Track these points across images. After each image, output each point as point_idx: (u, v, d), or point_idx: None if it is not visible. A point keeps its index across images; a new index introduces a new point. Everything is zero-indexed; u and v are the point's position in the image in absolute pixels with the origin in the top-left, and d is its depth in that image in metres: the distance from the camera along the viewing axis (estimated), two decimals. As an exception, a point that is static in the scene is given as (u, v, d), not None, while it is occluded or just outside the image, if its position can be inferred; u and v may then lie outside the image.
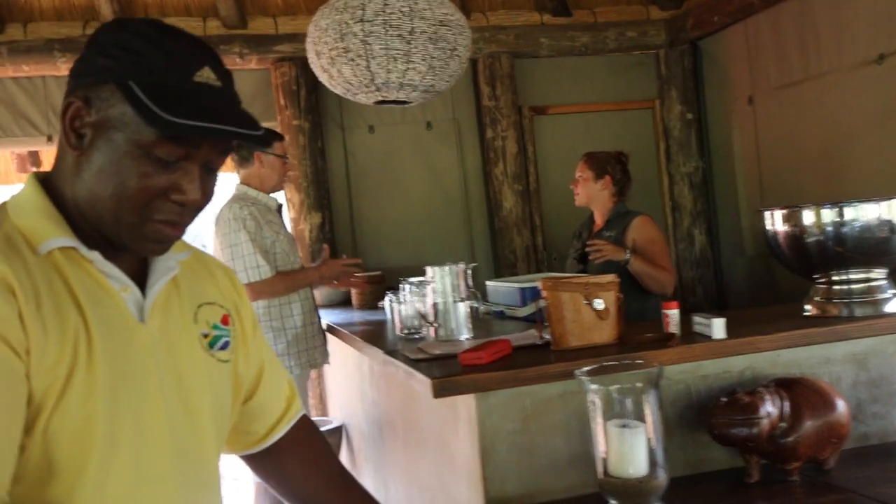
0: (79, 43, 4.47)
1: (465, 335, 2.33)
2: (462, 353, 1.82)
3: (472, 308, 2.43)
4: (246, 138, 1.00)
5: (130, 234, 1.01)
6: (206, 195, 1.03)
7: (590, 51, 5.17)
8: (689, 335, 1.90)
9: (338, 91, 3.18)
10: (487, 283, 3.21)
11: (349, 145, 4.98)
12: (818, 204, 1.93)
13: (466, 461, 1.84)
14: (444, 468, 2.12)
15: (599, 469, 1.53)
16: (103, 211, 0.99)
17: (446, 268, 2.37)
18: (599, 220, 3.62)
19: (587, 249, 3.45)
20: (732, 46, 4.85)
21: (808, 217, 1.94)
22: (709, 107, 5.23)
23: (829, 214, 1.91)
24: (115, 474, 0.98)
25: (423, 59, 2.92)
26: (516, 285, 2.89)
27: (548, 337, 1.93)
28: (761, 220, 2.05)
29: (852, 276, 1.96)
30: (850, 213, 1.90)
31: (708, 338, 1.84)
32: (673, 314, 1.91)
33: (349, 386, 3.82)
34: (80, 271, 1.00)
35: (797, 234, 1.97)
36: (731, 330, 1.84)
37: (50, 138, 4.60)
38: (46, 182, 1.04)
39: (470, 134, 5.15)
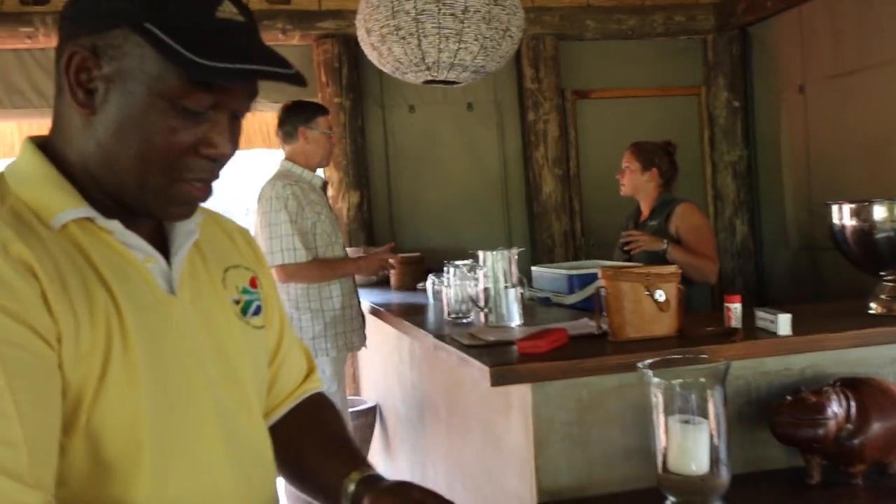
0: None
1: (516, 321, 2.31)
2: (520, 341, 1.80)
3: (520, 294, 2.40)
4: (282, 78, 0.89)
5: (156, 197, 0.91)
6: (235, 146, 0.94)
7: (636, 34, 5.09)
8: (752, 329, 1.86)
9: (386, 69, 3.15)
10: (533, 268, 3.17)
11: (389, 124, 4.96)
12: (891, 199, 1.86)
13: (518, 451, 1.82)
14: (491, 456, 2.10)
15: (659, 464, 1.50)
16: (124, 174, 0.89)
17: (498, 252, 2.34)
18: (645, 210, 3.59)
19: (621, 241, 3.44)
20: (785, 33, 4.74)
21: (879, 212, 1.88)
22: (756, 95, 5.14)
23: (903, 209, 1.85)
24: (172, 464, 0.91)
25: (476, 39, 2.88)
26: (565, 272, 2.85)
27: (605, 327, 1.89)
28: (828, 213, 1.99)
29: (923, 274, 1.91)
30: (925, 209, 1.85)
31: (771, 333, 1.80)
32: (736, 308, 1.86)
33: (386, 367, 3.81)
34: (99, 244, 0.89)
35: (866, 230, 1.91)
36: (796, 327, 1.79)
37: None
38: (46, 147, 0.93)
39: (511, 116, 5.11)
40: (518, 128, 5.11)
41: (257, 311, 1.07)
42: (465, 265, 2.60)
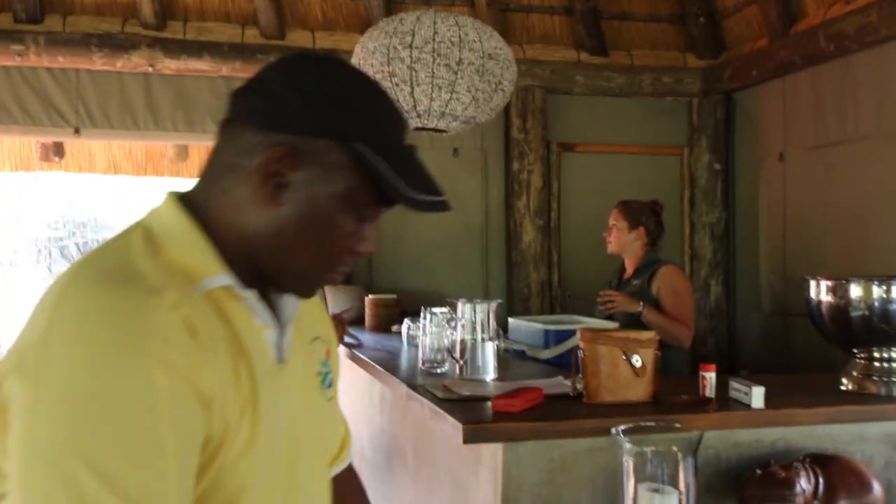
0: (117, 39, 4.51)
1: (490, 375, 2.30)
2: (495, 399, 1.80)
3: (497, 347, 2.40)
4: (445, 209, 0.95)
5: (309, 282, 0.97)
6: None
7: (624, 93, 5.17)
8: (725, 400, 1.87)
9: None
10: (510, 319, 3.18)
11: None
12: (867, 277, 1.90)
13: (486, 508, 1.81)
14: (457, 512, 2.09)
15: (627, 532, 1.50)
16: (293, 263, 0.94)
17: (477, 304, 2.35)
18: (630, 268, 3.63)
19: (598, 300, 3.47)
20: (768, 101, 4.84)
21: (854, 290, 1.92)
22: (738, 159, 5.22)
23: (877, 290, 1.89)
24: None
25: (468, 91, 2.92)
26: (541, 326, 2.86)
27: (580, 388, 1.90)
28: (805, 287, 2.02)
29: (895, 356, 1.94)
30: (898, 290, 1.88)
31: (744, 405, 1.82)
32: (710, 377, 1.88)
33: (356, 408, 3.77)
34: (236, 311, 0.91)
35: (842, 307, 1.94)
36: (768, 399, 1.81)
37: (77, 130, 4.62)
38: (190, 206, 0.93)
39: (496, 164, 5.15)
40: (502, 176, 5.15)
41: (330, 384, 1.11)
42: (442, 313, 2.60)
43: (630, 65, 5.16)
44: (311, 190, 0.90)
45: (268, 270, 0.94)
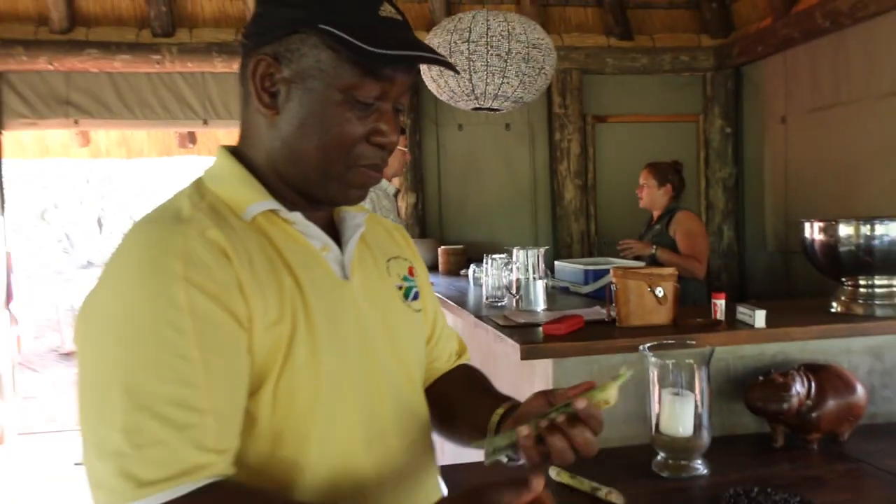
0: (233, 46, 4.57)
1: (541, 306, 2.33)
2: (545, 325, 1.83)
3: (545, 284, 2.43)
4: (437, 63, 0.83)
5: (337, 183, 0.84)
6: (398, 136, 0.86)
7: (647, 70, 5.05)
8: (733, 322, 1.87)
9: (443, 97, 3.19)
10: (556, 262, 3.19)
11: (441, 140, 4.99)
12: (856, 219, 1.87)
13: (541, 411, 1.86)
14: (518, 413, 2.14)
15: (652, 427, 1.54)
16: (308, 165, 0.82)
17: (529, 250, 2.38)
18: (655, 217, 3.61)
19: (618, 247, 3.48)
20: (771, 73, 4.67)
21: (843, 229, 1.88)
22: (746, 123, 5.07)
23: (862, 229, 1.85)
24: (345, 431, 0.83)
25: (516, 76, 2.91)
26: (581, 267, 2.87)
27: (613, 315, 1.92)
28: (801, 228, 1.99)
29: (876, 282, 1.90)
30: (880, 228, 1.84)
31: (749, 325, 1.82)
32: (720, 303, 1.88)
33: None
34: (283, 234, 0.83)
35: (832, 244, 1.91)
36: (769, 320, 1.81)
37: (206, 122, 4.72)
38: (236, 153, 0.88)
39: (541, 135, 5.10)
40: (546, 145, 5.10)
41: (416, 297, 1.00)
42: (501, 258, 2.63)
43: (652, 46, 5.03)
44: (299, 87, 0.81)
45: (297, 183, 0.85)
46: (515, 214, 5.07)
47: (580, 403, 0.80)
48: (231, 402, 0.74)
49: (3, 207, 4.62)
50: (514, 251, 2.39)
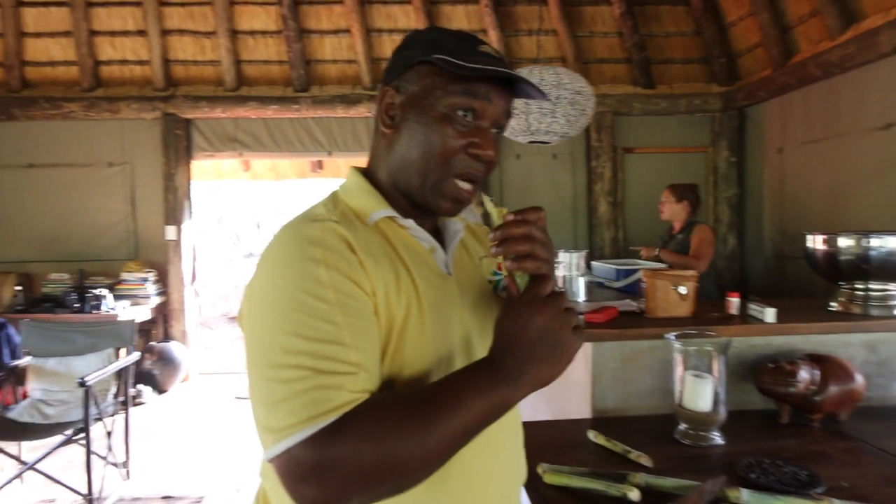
0: (350, 97, 4.61)
1: (582, 298, 2.21)
2: (586, 314, 1.72)
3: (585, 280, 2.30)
4: (532, 87, 0.77)
5: (434, 191, 0.76)
6: (497, 153, 0.77)
7: (666, 112, 4.78)
8: (745, 316, 1.71)
9: (506, 133, 3.09)
10: (592, 262, 3.05)
11: (503, 167, 4.87)
12: (855, 232, 1.66)
13: (581, 384, 1.75)
14: (563, 385, 2.03)
15: (676, 401, 1.41)
16: (412, 173, 0.76)
17: (572, 253, 2.26)
18: (677, 227, 3.44)
19: (630, 248, 3.41)
20: (771, 112, 4.33)
21: (843, 241, 1.68)
22: (748, 153, 4.72)
23: (859, 241, 1.64)
24: None
25: (564, 116, 2.78)
26: (613, 266, 2.72)
27: (642, 307, 1.79)
28: (804, 239, 1.79)
29: (871, 286, 1.70)
30: (876, 241, 1.63)
31: (759, 320, 1.65)
32: (735, 301, 1.72)
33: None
34: (399, 236, 0.78)
35: (832, 253, 1.71)
36: (778, 316, 1.63)
37: (330, 153, 4.79)
38: (364, 172, 0.83)
39: (580, 163, 4.91)
40: (585, 170, 4.91)
41: (504, 289, 0.89)
42: (549, 259, 2.52)
43: (671, 93, 4.75)
44: (411, 108, 0.76)
45: (405, 191, 0.78)
46: (560, 224, 4.90)
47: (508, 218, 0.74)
48: (372, 357, 0.68)
49: (191, 214, 4.82)
50: (560, 253, 2.28)
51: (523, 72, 2.89)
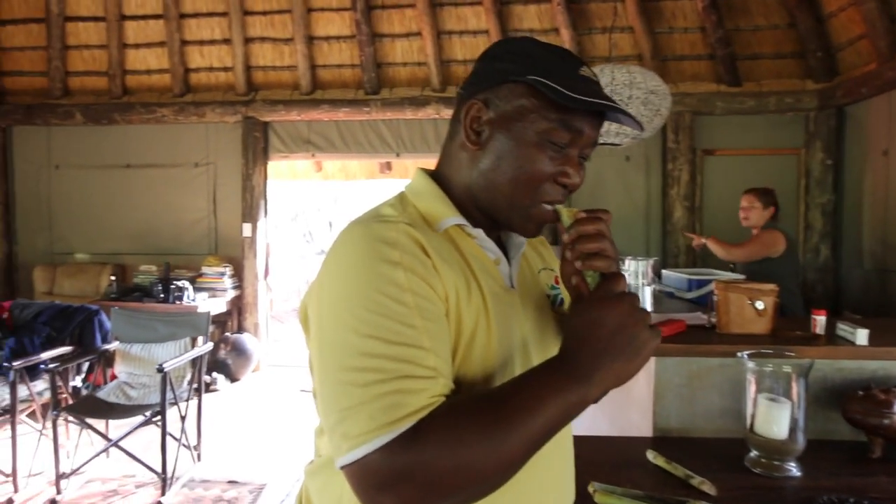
0: (419, 99, 4.65)
1: (648, 309, 2.08)
2: (650, 325, 1.62)
3: (652, 290, 2.18)
4: (626, 116, 0.73)
5: (520, 215, 0.74)
6: (581, 180, 0.75)
7: (753, 111, 4.46)
8: (833, 337, 1.55)
9: (573, 135, 3.00)
10: (663, 270, 2.90)
11: (573, 168, 4.75)
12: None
13: (643, 400, 1.66)
14: (624, 401, 1.94)
15: (747, 425, 1.29)
16: (499, 195, 0.74)
17: (639, 260, 2.14)
18: (755, 234, 3.22)
19: (685, 234, 3.37)
20: (875, 110, 3.93)
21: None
22: (847, 156, 4.32)
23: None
24: None
25: (636, 117, 2.65)
26: (686, 276, 2.57)
27: (713, 321, 1.67)
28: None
29: None
30: None
31: (849, 342, 1.48)
32: (821, 319, 1.56)
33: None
34: (467, 245, 0.75)
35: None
36: (871, 338, 1.46)
37: (398, 154, 4.86)
38: (433, 174, 0.80)
39: (655, 165, 4.69)
40: (660, 173, 4.68)
41: (561, 303, 0.89)
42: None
43: (759, 91, 4.43)
44: (502, 128, 0.72)
45: (487, 209, 0.76)
46: (631, 229, 4.70)
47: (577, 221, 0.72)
48: (447, 363, 0.66)
49: (266, 212, 5.07)
50: (626, 260, 2.17)
51: (594, 70, 2.79)
